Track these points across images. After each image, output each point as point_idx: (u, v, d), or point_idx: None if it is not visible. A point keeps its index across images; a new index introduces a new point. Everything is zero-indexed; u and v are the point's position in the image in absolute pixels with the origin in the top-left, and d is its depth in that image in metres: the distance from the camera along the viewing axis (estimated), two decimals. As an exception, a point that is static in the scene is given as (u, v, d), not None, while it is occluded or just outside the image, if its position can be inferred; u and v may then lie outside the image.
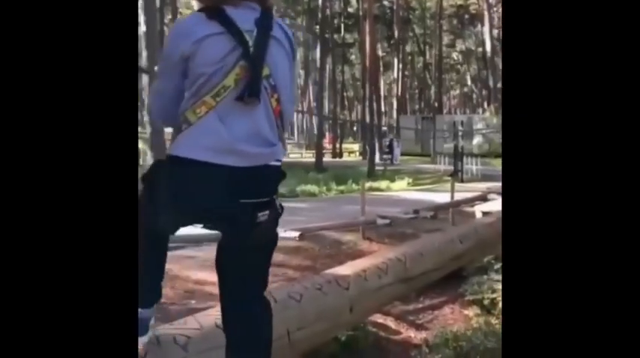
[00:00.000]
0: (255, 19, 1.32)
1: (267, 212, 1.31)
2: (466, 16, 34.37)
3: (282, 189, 12.67)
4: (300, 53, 35.27)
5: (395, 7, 28.17)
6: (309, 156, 24.09)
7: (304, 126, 36.89)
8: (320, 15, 22.62)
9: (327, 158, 21.98)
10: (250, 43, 1.29)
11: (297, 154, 28.20)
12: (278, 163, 1.36)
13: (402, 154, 23.04)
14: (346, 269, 2.20)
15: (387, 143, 22.57)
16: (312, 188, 12.85)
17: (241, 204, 1.28)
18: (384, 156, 21.28)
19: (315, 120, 24.58)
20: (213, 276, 4.89)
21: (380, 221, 6.66)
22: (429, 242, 3.23)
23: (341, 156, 28.13)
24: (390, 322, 5.08)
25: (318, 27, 25.05)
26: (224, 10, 1.30)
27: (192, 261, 5.78)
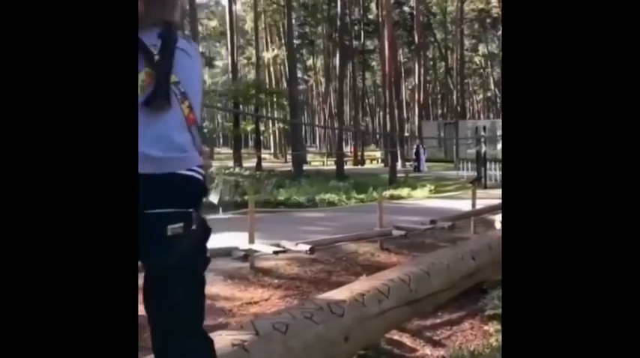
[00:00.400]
0: (157, 34, 1.32)
1: (179, 225, 1.21)
2: (488, 20, 33.94)
3: (301, 198, 12.64)
4: (320, 61, 35.33)
5: (415, 13, 27.94)
6: (330, 164, 23.97)
7: (326, 134, 36.83)
8: (339, 22, 22.57)
9: (348, 166, 21.81)
10: (155, 52, 1.29)
11: (319, 162, 28.11)
12: (194, 173, 1.28)
13: (425, 161, 22.76)
14: (341, 293, 2.06)
15: (414, 150, 22.31)
16: (331, 197, 12.71)
17: (146, 215, 1.17)
18: (410, 164, 20.99)
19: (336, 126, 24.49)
20: (226, 290, 4.80)
21: (395, 232, 6.48)
22: (437, 259, 3.06)
23: (363, 163, 27.93)
24: (406, 338, 4.90)
25: (337, 34, 25.00)
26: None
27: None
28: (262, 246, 4.85)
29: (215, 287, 5.39)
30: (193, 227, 1.25)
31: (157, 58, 1.29)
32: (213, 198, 12.15)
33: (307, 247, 4.75)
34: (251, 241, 5.23)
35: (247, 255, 5.11)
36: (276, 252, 4.64)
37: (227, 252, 4.76)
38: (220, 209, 10.63)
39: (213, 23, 34.77)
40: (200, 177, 1.31)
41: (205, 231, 1.32)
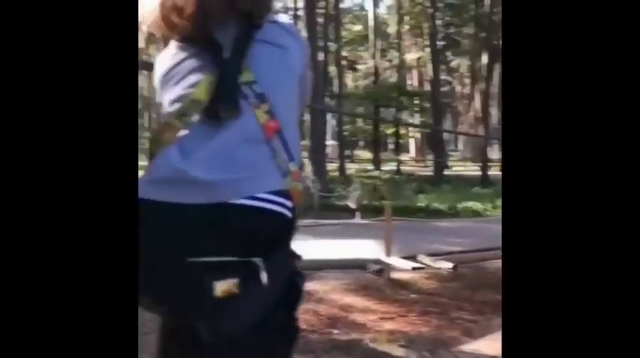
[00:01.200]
0: (236, 29, 1.02)
1: (232, 282, 0.83)
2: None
3: (442, 205, 12.30)
4: (465, 62, 34.17)
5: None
6: (474, 170, 23.02)
7: (469, 138, 35.46)
8: (487, 21, 21.58)
9: (494, 171, 20.72)
10: (228, 48, 0.99)
11: (461, 167, 27.11)
12: (265, 204, 0.91)
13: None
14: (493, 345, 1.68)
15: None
16: (475, 205, 12.03)
17: (187, 265, 0.84)
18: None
19: (481, 130, 23.42)
20: (360, 302, 4.62)
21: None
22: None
23: (510, 169, 26.29)
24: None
25: (485, 34, 23.96)
26: (203, 29, 1.02)
27: (338, 283, 5.54)
28: (399, 261, 4.55)
29: (349, 297, 5.25)
30: (263, 282, 0.85)
31: (228, 55, 0.99)
32: (351, 202, 12.18)
33: (450, 265, 4.37)
34: (387, 254, 4.95)
35: (382, 270, 4.84)
36: (414, 268, 4.32)
37: (361, 265, 4.55)
38: (358, 214, 10.58)
39: (357, 27, 35.16)
40: (277, 208, 0.92)
41: (292, 291, 0.94)
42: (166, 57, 1.06)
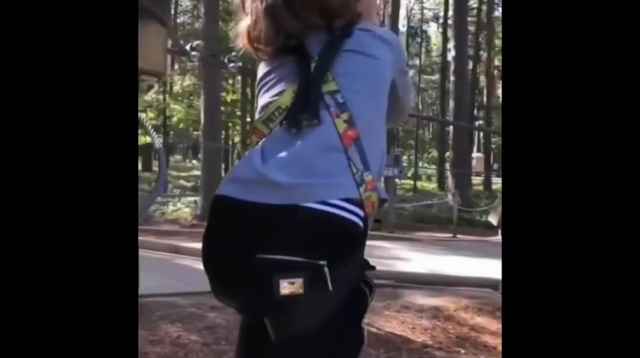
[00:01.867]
0: (328, 37, 1.06)
1: (297, 281, 0.85)
2: None
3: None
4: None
5: None
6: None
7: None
8: None
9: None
10: (315, 58, 1.04)
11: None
12: (335, 210, 0.92)
13: None
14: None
15: None
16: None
17: (256, 261, 0.88)
18: None
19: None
20: (493, 324, 4.39)
21: None
22: None
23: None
24: None
25: None
26: (296, 39, 1.08)
27: (470, 302, 5.31)
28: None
29: (481, 318, 4.99)
30: (328, 286, 0.88)
31: (313, 64, 1.03)
32: (493, 218, 11.63)
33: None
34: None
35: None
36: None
37: (494, 285, 4.33)
38: (499, 231, 10.06)
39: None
40: (347, 215, 0.93)
41: (358, 298, 0.97)
42: (262, 66, 1.13)
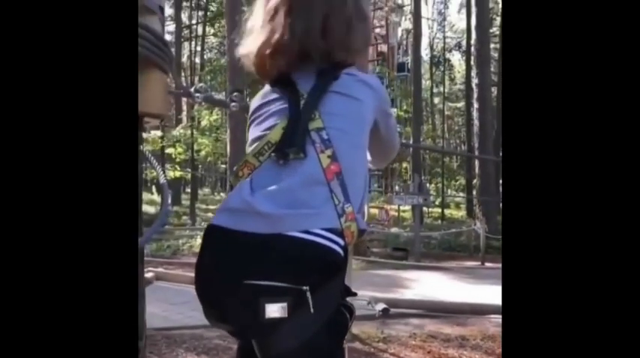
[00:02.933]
0: (315, 77, 1.15)
1: (282, 305, 0.92)
2: None
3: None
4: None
5: None
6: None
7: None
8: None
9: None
10: (304, 96, 1.12)
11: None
12: (316, 238, 0.98)
13: None
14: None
15: None
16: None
17: (243, 286, 0.93)
18: None
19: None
20: None
21: None
22: None
23: None
24: None
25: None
26: (288, 76, 1.18)
27: (497, 330, 5.23)
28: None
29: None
30: (310, 310, 0.94)
31: (302, 102, 1.12)
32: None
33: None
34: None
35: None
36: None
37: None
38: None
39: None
40: (329, 243, 0.99)
41: (338, 321, 1.02)
42: (257, 99, 1.22)
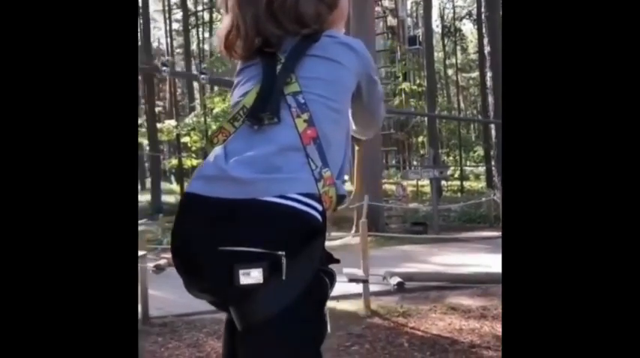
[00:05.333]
0: (296, 42, 1.12)
1: (256, 272, 0.89)
2: None
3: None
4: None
5: None
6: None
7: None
8: None
9: None
10: (282, 60, 1.10)
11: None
12: (293, 203, 0.96)
13: None
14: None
15: None
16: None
17: (218, 253, 0.92)
18: None
19: None
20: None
21: None
22: None
23: None
24: None
25: None
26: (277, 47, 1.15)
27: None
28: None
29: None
30: (284, 276, 0.92)
31: (279, 66, 1.09)
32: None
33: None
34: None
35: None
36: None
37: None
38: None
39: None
40: (305, 208, 0.97)
41: (318, 288, 1.00)
42: (239, 64, 1.20)
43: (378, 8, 19.91)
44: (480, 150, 28.41)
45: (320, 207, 1.00)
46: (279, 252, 0.92)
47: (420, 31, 23.71)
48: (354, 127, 1.34)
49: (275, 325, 0.94)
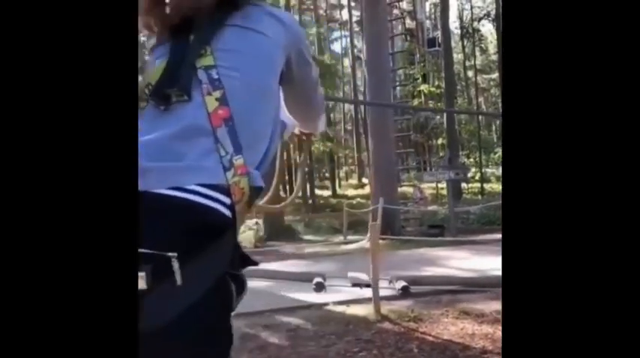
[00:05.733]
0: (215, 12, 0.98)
1: (139, 275, 0.74)
2: None
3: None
4: None
5: None
6: None
7: None
8: None
9: None
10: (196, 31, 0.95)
11: None
12: (188, 195, 0.82)
13: None
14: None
15: None
16: None
17: None
18: None
19: None
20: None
21: None
22: None
23: None
24: None
25: None
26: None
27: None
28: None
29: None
30: (177, 281, 0.77)
31: (192, 38, 0.95)
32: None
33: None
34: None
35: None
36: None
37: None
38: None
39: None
40: (207, 202, 0.83)
41: (222, 293, 0.84)
42: (149, 48, 1.06)
43: (396, 11, 19.87)
44: (500, 152, 28.04)
45: (228, 201, 0.86)
46: (169, 254, 0.77)
47: (438, 33, 23.57)
48: (293, 119, 1.22)
49: (173, 334, 0.80)
